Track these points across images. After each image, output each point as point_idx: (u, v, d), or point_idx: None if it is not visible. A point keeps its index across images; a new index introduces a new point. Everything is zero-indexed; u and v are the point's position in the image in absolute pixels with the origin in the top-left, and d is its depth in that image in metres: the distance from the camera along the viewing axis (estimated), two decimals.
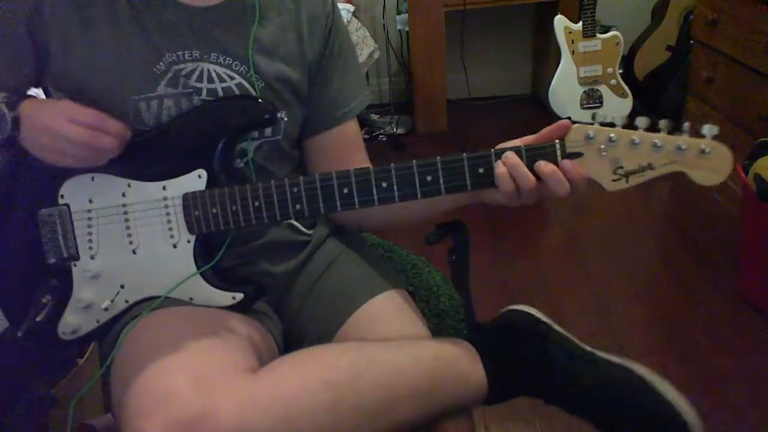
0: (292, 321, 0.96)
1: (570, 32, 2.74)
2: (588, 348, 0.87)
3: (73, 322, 0.89)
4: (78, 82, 0.85)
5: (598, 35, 2.75)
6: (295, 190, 0.80)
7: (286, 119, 0.92)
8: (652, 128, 0.73)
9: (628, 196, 2.47)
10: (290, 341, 0.95)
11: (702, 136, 0.72)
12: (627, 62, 3.00)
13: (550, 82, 2.80)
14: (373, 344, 0.82)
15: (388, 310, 0.91)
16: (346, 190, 0.79)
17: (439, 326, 1.01)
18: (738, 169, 1.71)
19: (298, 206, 0.81)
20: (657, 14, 3.02)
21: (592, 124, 0.75)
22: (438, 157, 0.77)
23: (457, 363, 0.82)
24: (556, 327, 0.89)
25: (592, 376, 0.82)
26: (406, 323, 0.90)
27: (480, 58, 3.40)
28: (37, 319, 0.88)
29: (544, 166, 0.75)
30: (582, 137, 0.74)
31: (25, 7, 0.82)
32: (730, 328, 1.72)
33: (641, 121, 0.73)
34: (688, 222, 2.27)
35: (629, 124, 0.74)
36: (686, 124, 0.73)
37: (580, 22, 2.73)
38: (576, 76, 2.78)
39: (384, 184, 0.78)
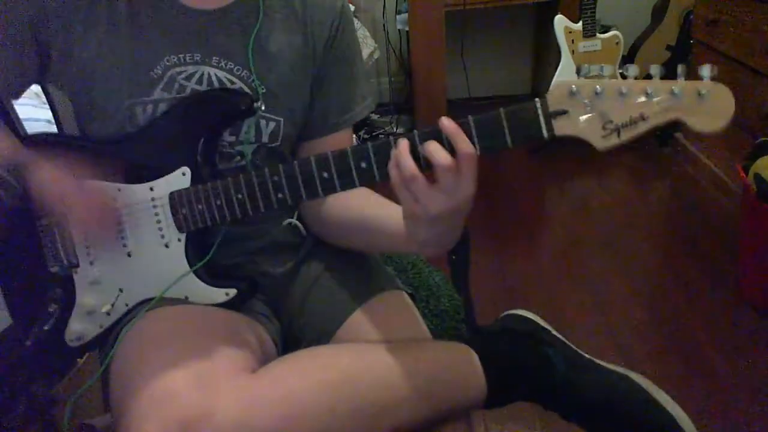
0: (290, 321, 0.96)
1: (570, 32, 2.74)
2: (587, 356, 0.87)
3: (78, 328, 0.89)
4: (76, 83, 0.86)
5: (598, 35, 2.75)
6: (276, 178, 0.78)
7: (280, 119, 0.91)
8: (644, 77, 0.66)
9: (629, 196, 2.47)
10: (289, 342, 0.94)
11: (699, 79, 0.64)
12: (627, 62, 2.99)
13: (550, 82, 2.80)
14: (372, 346, 0.82)
15: (387, 312, 0.90)
16: (326, 174, 0.76)
17: (439, 327, 1.01)
18: (738, 169, 1.71)
19: (280, 195, 0.79)
20: (657, 14, 3.02)
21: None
22: (415, 131, 0.70)
23: (457, 366, 0.82)
24: (556, 333, 0.89)
25: (591, 384, 0.82)
26: (406, 325, 0.89)
27: (480, 58, 3.40)
28: (45, 328, 0.88)
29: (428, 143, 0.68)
30: (565, 93, 0.67)
31: (29, 9, 0.82)
32: (730, 328, 1.72)
33: (631, 69, 0.66)
34: (688, 222, 2.27)
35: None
36: (681, 67, 0.65)
37: (580, 22, 2.72)
38: (576, 76, 2.77)
39: (363, 164, 0.74)
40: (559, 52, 2.77)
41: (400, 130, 3.19)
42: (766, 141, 1.70)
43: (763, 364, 1.58)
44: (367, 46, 2.78)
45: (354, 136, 1.06)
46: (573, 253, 2.17)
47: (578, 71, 0.69)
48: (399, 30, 3.22)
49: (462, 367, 0.82)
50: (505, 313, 0.93)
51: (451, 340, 0.96)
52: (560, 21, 2.74)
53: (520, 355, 0.85)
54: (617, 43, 2.76)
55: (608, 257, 2.10)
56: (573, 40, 2.74)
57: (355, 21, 2.77)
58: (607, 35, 2.76)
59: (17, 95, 0.92)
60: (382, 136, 3.15)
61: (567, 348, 0.87)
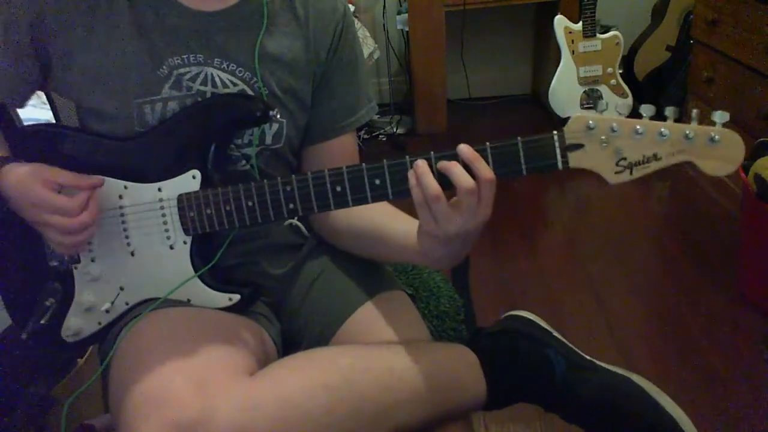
0: (290, 322, 0.96)
1: (570, 32, 2.74)
2: (588, 357, 0.87)
3: (75, 324, 0.89)
4: (80, 87, 0.85)
5: (598, 35, 2.75)
6: (288, 189, 0.79)
7: (283, 120, 0.91)
8: (658, 117, 0.69)
9: (629, 196, 2.47)
10: (289, 342, 0.94)
11: (712, 123, 0.67)
12: (627, 62, 3.00)
13: (550, 82, 2.80)
14: (371, 347, 0.82)
15: (386, 312, 0.90)
16: (339, 188, 0.76)
17: (439, 327, 1.01)
18: (738, 169, 1.70)
19: (291, 205, 0.79)
20: (657, 14, 3.02)
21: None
22: (432, 153, 0.72)
23: (456, 368, 0.82)
24: (556, 334, 0.89)
25: (592, 386, 0.82)
26: (405, 326, 0.89)
27: (480, 58, 3.40)
28: (42, 322, 0.88)
29: (444, 162, 0.70)
30: (582, 127, 0.69)
31: (27, 15, 0.82)
32: (730, 328, 1.72)
33: (646, 109, 0.69)
34: (688, 222, 2.27)
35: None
36: (695, 111, 0.68)
37: (580, 22, 2.73)
38: (576, 76, 2.78)
39: (377, 181, 0.75)
40: (559, 52, 2.77)
41: (400, 131, 3.19)
42: (766, 141, 1.70)
43: (763, 364, 1.58)
44: (367, 46, 2.78)
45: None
46: (573, 253, 2.17)
47: (594, 105, 0.72)
48: (399, 30, 3.22)
49: (462, 368, 0.82)
50: (506, 314, 0.93)
51: (452, 341, 0.96)
52: (560, 21, 2.74)
53: (520, 356, 0.85)
54: (617, 43, 2.76)
55: (608, 257, 2.10)
56: (573, 40, 2.74)
57: (355, 21, 2.77)
58: (607, 35, 2.76)
59: (21, 103, 0.92)
60: (382, 136, 3.16)
61: (568, 349, 0.86)
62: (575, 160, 0.70)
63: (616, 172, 0.70)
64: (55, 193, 0.80)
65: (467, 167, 0.70)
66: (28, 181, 0.80)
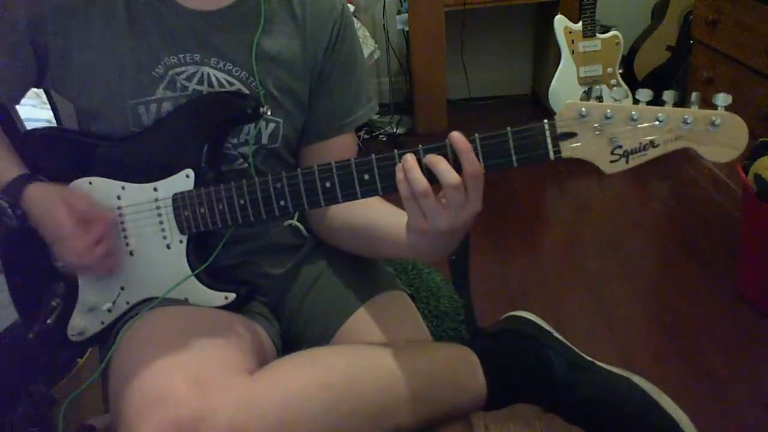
0: (290, 322, 0.96)
1: (570, 32, 2.74)
2: (588, 358, 0.87)
3: (80, 324, 0.90)
4: (77, 86, 0.86)
5: (598, 35, 2.75)
6: (278, 186, 0.78)
7: (279, 120, 0.91)
8: (656, 102, 0.65)
9: (629, 196, 2.47)
10: (288, 343, 0.94)
11: (714, 107, 0.63)
12: (627, 62, 3.00)
13: (550, 82, 2.80)
14: (370, 347, 0.82)
15: (387, 312, 0.90)
16: (328, 184, 0.76)
17: (439, 328, 1.01)
18: (738, 169, 1.71)
19: (282, 202, 0.79)
20: (657, 14, 3.02)
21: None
22: (420, 146, 0.71)
23: (456, 368, 0.82)
24: (556, 334, 0.89)
25: (592, 386, 0.82)
26: (405, 325, 0.89)
27: (480, 58, 3.40)
28: (48, 322, 0.89)
29: (432, 156, 0.69)
30: (575, 115, 0.66)
31: (25, 13, 0.83)
32: (730, 328, 1.72)
33: (643, 95, 0.65)
34: (688, 222, 2.27)
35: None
36: (695, 95, 0.64)
37: (580, 22, 2.73)
38: (576, 76, 2.78)
39: (366, 176, 0.74)
40: (559, 52, 2.77)
41: (400, 131, 3.19)
42: (766, 141, 1.69)
43: (763, 364, 1.58)
44: (367, 46, 2.78)
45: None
46: (573, 253, 2.17)
47: (588, 92, 0.69)
48: (399, 30, 3.22)
49: (462, 368, 0.82)
50: (506, 314, 0.93)
51: (452, 341, 0.96)
52: (560, 21, 2.74)
53: (520, 356, 0.85)
54: (617, 43, 2.76)
55: (608, 257, 2.10)
56: (573, 40, 2.75)
57: (355, 21, 2.77)
58: (607, 35, 2.76)
59: (17, 100, 0.92)
60: (382, 136, 3.16)
61: (568, 350, 0.86)
62: (568, 149, 0.67)
63: (611, 161, 0.66)
64: (75, 221, 0.82)
65: (457, 158, 0.69)
66: (53, 204, 0.83)
